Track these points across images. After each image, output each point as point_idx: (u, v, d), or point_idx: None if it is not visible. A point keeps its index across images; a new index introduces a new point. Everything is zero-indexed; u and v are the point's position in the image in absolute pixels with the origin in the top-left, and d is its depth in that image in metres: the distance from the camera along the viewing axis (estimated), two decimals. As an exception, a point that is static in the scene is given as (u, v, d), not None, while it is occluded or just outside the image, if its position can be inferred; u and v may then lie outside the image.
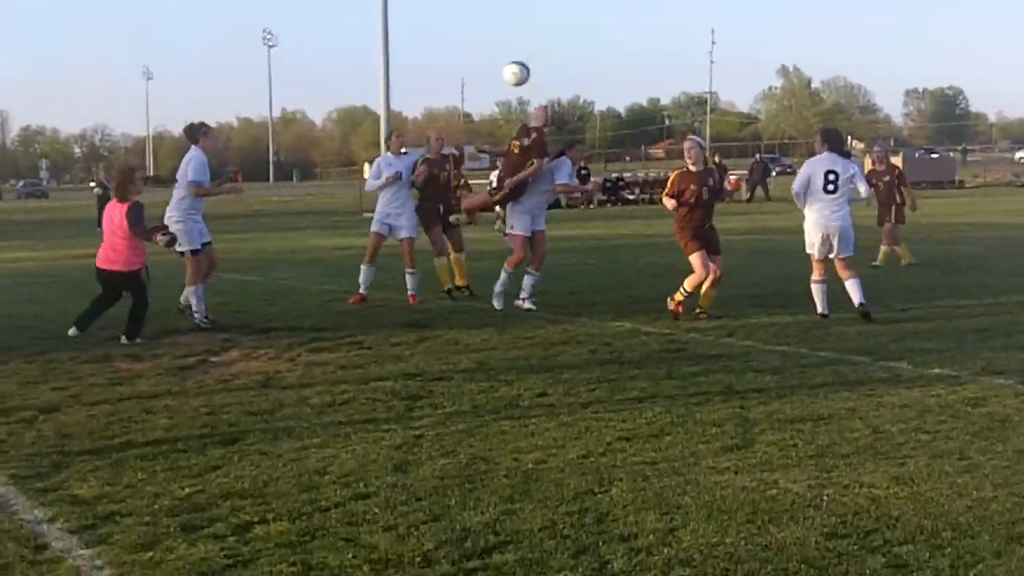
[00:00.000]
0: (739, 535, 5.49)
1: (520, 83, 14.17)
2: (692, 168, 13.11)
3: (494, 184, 15.36)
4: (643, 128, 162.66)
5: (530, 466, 6.90)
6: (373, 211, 15.87)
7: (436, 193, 15.86)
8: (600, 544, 5.43)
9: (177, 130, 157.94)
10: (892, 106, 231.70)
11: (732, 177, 55.32)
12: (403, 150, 15.71)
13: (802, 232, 12.84)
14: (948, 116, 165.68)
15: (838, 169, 12.52)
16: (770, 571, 5.05)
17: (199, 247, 13.35)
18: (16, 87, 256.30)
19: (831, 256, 12.56)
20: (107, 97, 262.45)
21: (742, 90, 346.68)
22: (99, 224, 13.01)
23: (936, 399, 8.43)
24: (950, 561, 5.10)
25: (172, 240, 12.40)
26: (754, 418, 7.96)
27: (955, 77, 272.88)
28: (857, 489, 6.20)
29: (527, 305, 13.94)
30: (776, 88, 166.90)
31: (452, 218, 15.74)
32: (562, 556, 5.29)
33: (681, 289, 13.04)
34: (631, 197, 53.21)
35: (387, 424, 8.14)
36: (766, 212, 41.08)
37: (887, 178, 20.14)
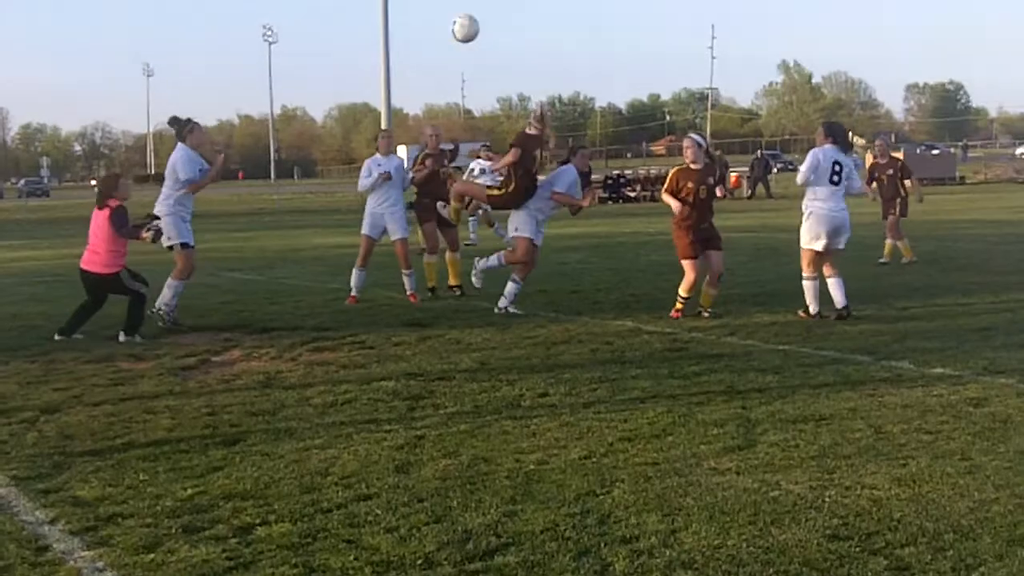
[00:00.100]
0: (741, 537, 5.49)
1: (468, 38, 13.74)
2: (693, 167, 13.09)
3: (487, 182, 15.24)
4: (644, 124, 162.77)
5: (532, 467, 6.90)
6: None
7: (434, 189, 15.85)
8: (602, 546, 5.43)
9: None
10: (893, 101, 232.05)
11: (733, 174, 55.45)
12: (402, 149, 15.68)
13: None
14: (949, 111, 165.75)
15: (843, 161, 12.55)
16: (772, 573, 5.06)
17: (188, 241, 13.29)
18: (16, 85, 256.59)
19: (828, 249, 12.55)
20: (108, 95, 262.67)
21: (743, 86, 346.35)
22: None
23: (938, 399, 8.43)
24: (952, 564, 5.10)
25: (158, 234, 12.41)
26: (756, 418, 7.96)
27: (956, 72, 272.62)
28: (859, 490, 6.20)
29: (512, 309, 13.76)
30: (777, 84, 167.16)
31: (439, 204, 15.58)
32: (564, 558, 5.29)
33: (678, 297, 13.06)
34: (632, 194, 53.19)
35: (389, 424, 8.15)
36: (767, 209, 41.06)
37: (890, 171, 20.12)
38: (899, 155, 22.38)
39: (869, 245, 20.46)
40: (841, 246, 12.69)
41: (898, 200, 19.81)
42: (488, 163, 21.69)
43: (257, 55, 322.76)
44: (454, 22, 13.72)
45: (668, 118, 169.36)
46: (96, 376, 10.34)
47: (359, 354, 11.17)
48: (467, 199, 15.99)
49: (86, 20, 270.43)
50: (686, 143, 13.48)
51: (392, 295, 15.50)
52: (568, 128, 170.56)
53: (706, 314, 12.91)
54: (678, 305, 13.08)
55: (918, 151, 79.69)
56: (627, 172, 59.19)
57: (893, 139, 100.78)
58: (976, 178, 68.79)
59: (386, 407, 8.76)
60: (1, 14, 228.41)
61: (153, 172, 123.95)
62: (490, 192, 14.12)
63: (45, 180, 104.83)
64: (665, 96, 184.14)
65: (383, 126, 46.39)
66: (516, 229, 13.83)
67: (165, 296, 13.07)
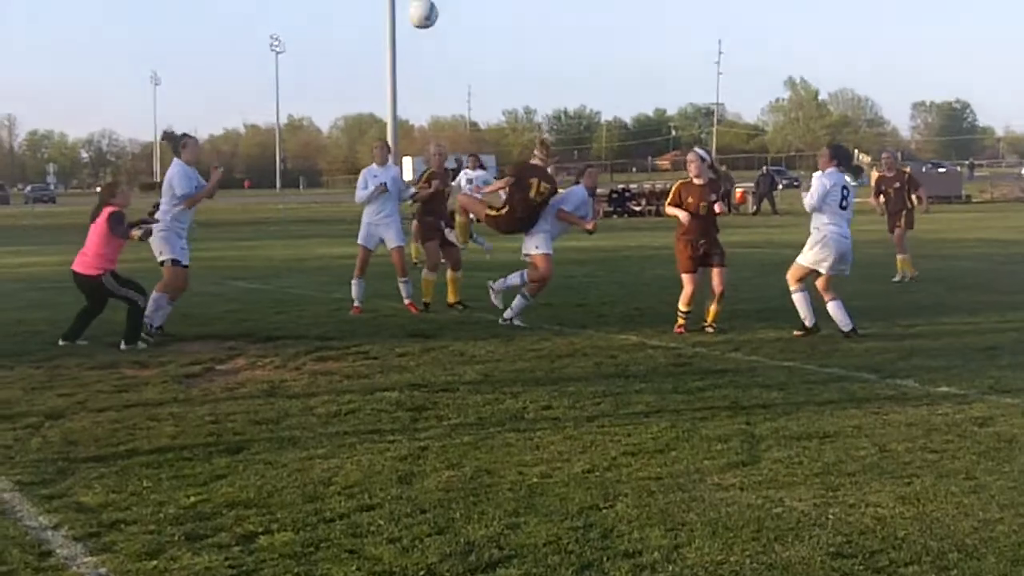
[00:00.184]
0: (744, 553, 5.48)
1: (423, 23, 13.40)
2: (696, 181, 13.10)
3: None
4: (649, 139, 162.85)
5: (535, 480, 6.90)
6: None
7: (437, 207, 15.86)
8: (604, 560, 5.42)
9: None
10: (899, 119, 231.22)
11: (738, 190, 55.47)
12: (408, 160, 15.72)
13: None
14: (955, 130, 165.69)
15: (848, 186, 12.55)
16: (775, 590, 5.05)
17: (179, 259, 13.15)
18: (24, 91, 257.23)
19: (829, 272, 12.52)
20: (114, 102, 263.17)
21: (749, 102, 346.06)
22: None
23: (943, 418, 8.41)
24: (956, 582, 5.09)
25: (147, 234, 12.43)
26: (760, 434, 7.95)
27: (962, 91, 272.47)
28: (863, 508, 6.19)
29: (517, 322, 13.76)
30: (783, 100, 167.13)
31: (446, 230, 15.61)
32: (566, 571, 5.28)
33: (679, 313, 13.07)
34: (637, 208, 53.18)
35: (392, 435, 8.14)
36: (772, 225, 41.03)
37: (896, 184, 20.10)
38: (906, 168, 22.33)
39: (875, 263, 20.47)
40: (847, 272, 12.68)
41: (904, 213, 19.79)
42: (476, 173, 21.66)
43: (264, 65, 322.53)
44: (411, 8, 13.54)
45: (674, 133, 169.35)
46: (100, 382, 10.35)
47: (363, 364, 11.17)
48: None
49: (94, 27, 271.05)
50: (689, 157, 13.49)
51: (395, 305, 15.49)
52: (573, 142, 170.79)
53: (710, 329, 12.90)
54: (680, 320, 13.09)
55: (924, 169, 79.59)
56: (632, 186, 59.18)
57: (899, 156, 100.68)
58: (982, 197, 68.75)
59: (389, 418, 8.76)
60: (8, 20, 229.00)
61: (159, 180, 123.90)
62: (488, 212, 14.11)
63: (51, 187, 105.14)
64: (671, 111, 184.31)
65: (389, 137, 46.45)
66: (536, 247, 13.78)
67: (148, 308, 12.78)
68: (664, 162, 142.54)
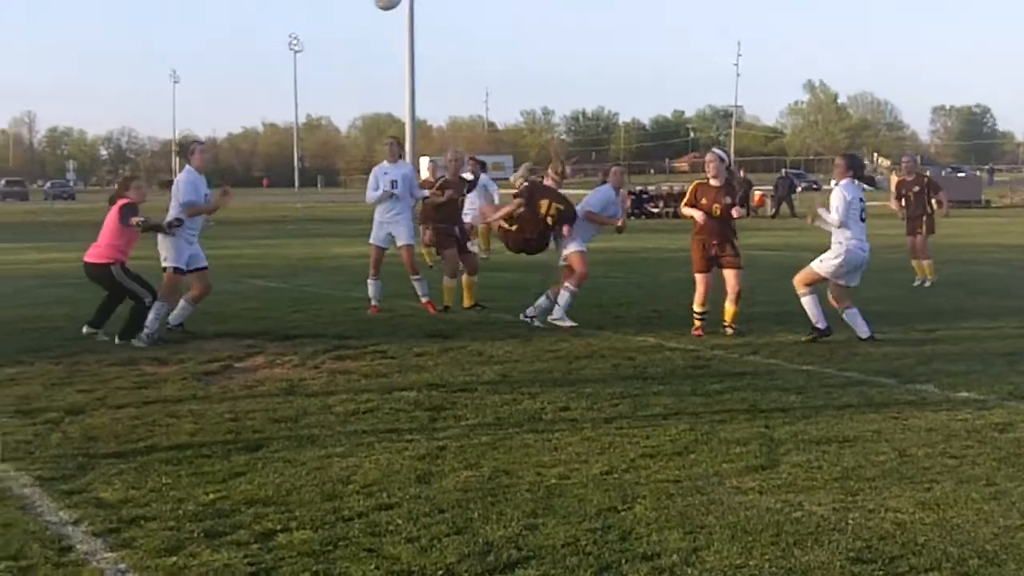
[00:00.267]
0: (763, 557, 5.47)
1: (388, 5, 13.11)
2: (713, 182, 13.10)
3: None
4: (667, 141, 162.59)
5: (553, 481, 6.89)
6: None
7: (452, 215, 15.87)
8: (623, 562, 5.42)
9: (203, 134, 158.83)
10: (919, 123, 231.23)
11: (756, 193, 55.34)
12: (425, 160, 15.71)
13: (826, 250, 12.62)
14: (975, 135, 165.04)
15: (862, 197, 12.53)
16: (795, 594, 5.04)
17: (183, 267, 13.06)
18: (44, 88, 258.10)
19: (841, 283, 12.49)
20: (134, 100, 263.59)
21: (768, 104, 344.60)
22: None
23: (963, 423, 8.38)
24: (976, 589, 5.08)
25: (149, 226, 12.45)
26: (779, 438, 7.93)
27: (983, 96, 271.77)
28: (883, 513, 6.17)
29: (537, 323, 13.74)
30: (802, 103, 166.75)
31: (468, 243, 15.60)
32: (584, 573, 5.28)
33: (694, 315, 13.06)
34: (655, 210, 53.10)
35: (410, 434, 8.16)
36: (791, 228, 40.92)
37: (916, 188, 20.04)
38: (925, 174, 22.27)
39: (893, 267, 20.40)
40: (856, 283, 12.67)
41: (924, 218, 19.72)
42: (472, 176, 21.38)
43: (283, 64, 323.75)
44: None
45: (692, 135, 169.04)
46: (120, 379, 10.39)
47: (381, 363, 11.18)
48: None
49: (114, 25, 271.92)
50: (709, 157, 13.49)
51: (413, 305, 15.51)
52: (591, 143, 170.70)
53: (729, 330, 12.89)
54: (697, 322, 13.08)
55: (944, 173, 79.23)
56: (650, 188, 59.10)
57: (919, 160, 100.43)
58: (1002, 202, 68.37)
59: (408, 417, 8.77)
60: (30, 17, 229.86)
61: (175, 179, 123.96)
62: (503, 225, 14.08)
63: (71, 183, 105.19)
64: (689, 113, 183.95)
65: (407, 137, 46.47)
66: (568, 247, 13.78)
67: (149, 318, 12.65)
68: (682, 164, 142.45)
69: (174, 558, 5.51)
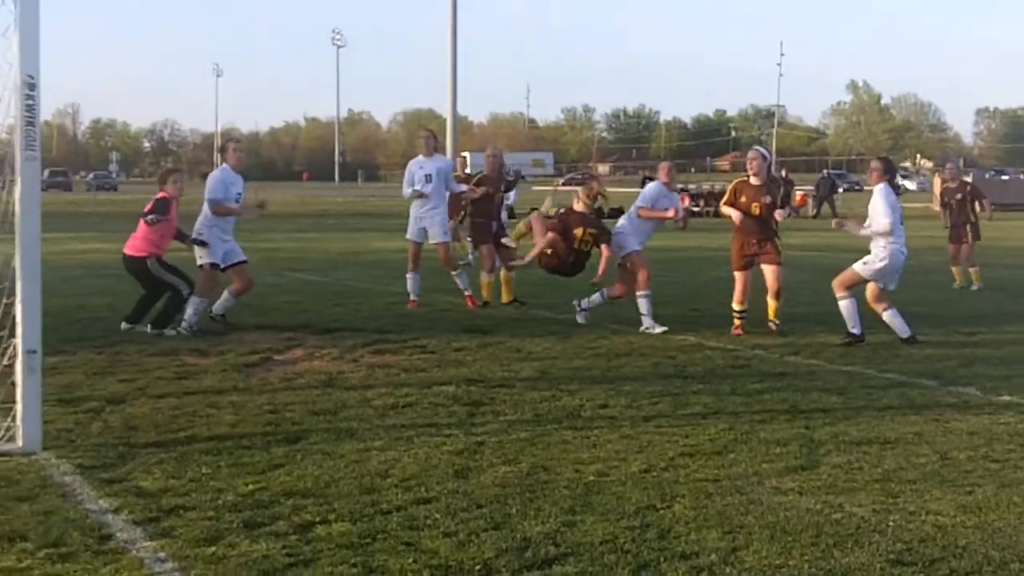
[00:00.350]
0: (803, 558, 5.43)
1: None
2: (753, 181, 13.04)
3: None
4: (708, 140, 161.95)
5: (591, 478, 6.88)
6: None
7: (489, 210, 15.86)
8: (661, 561, 5.40)
9: (245, 127, 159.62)
10: (962, 125, 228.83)
11: (798, 193, 55.05)
12: (466, 156, 15.67)
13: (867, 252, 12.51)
14: (1019, 137, 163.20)
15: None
16: (834, 595, 5.00)
17: (218, 263, 13.11)
18: (88, 80, 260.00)
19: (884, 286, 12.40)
20: (177, 93, 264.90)
21: (810, 104, 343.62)
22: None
23: (1005, 427, 8.31)
24: (1018, 593, 5.03)
25: (156, 220, 12.45)
26: (819, 439, 7.89)
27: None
28: (923, 516, 6.12)
29: (581, 319, 13.67)
30: (845, 103, 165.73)
31: (504, 240, 15.51)
32: (623, 571, 5.27)
33: (734, 313, 13.02)
34: (696, 209, 52.91)
35: (449, 429, 8.16)
36: (832, 229, 40.71)
37: (959, 196, 19.89)
38: (968, 178, 22.09)
39: (935, 270, 20.28)
40: (894, 285, 12.57)
41: (968, 226, 19.55)
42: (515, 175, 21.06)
43: (325, 59, 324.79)
44: None
45: (733, 134, 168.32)
46: (161, 369, 10.45)
47: (420, 358, 11.20)
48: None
49: (158, 17, 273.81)
50: (751, 154, 13.43)
51: (452, 300, 15.53)
52: (632, 141, 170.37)
53: (773, 326, 12.82)
54: (736, 322, 13.03)
55: (987, 176, 78.59)
56: (691, 187, 58.91)
57: (962, 163, 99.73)
58: (1046, 205, 67.72)
59: (446, 412, 8.78)
60: (75, 11, 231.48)
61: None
62: (544, 251, 13.74)
63: (113, 174, 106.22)
64: (731, 112, 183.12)
65: (448, 133, 46.53)
66: (623, 248, 13.67)
67: (188, 311, 12.79)
68: (723, 163, 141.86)
69: (213, 548, 5.54)
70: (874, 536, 5.76)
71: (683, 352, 11.70)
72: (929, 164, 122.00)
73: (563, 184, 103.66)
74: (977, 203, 20.01)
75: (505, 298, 15.70)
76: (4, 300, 7.48)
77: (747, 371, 10.66)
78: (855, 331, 12.23)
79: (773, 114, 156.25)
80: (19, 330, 7.39)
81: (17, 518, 5.98)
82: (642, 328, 13.20)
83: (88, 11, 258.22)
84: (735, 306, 13.05)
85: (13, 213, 7.38)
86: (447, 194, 15.55)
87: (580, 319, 13.59)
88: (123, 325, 12.71)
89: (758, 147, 14.06)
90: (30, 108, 7.27)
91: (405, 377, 10.21)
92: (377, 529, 5.85)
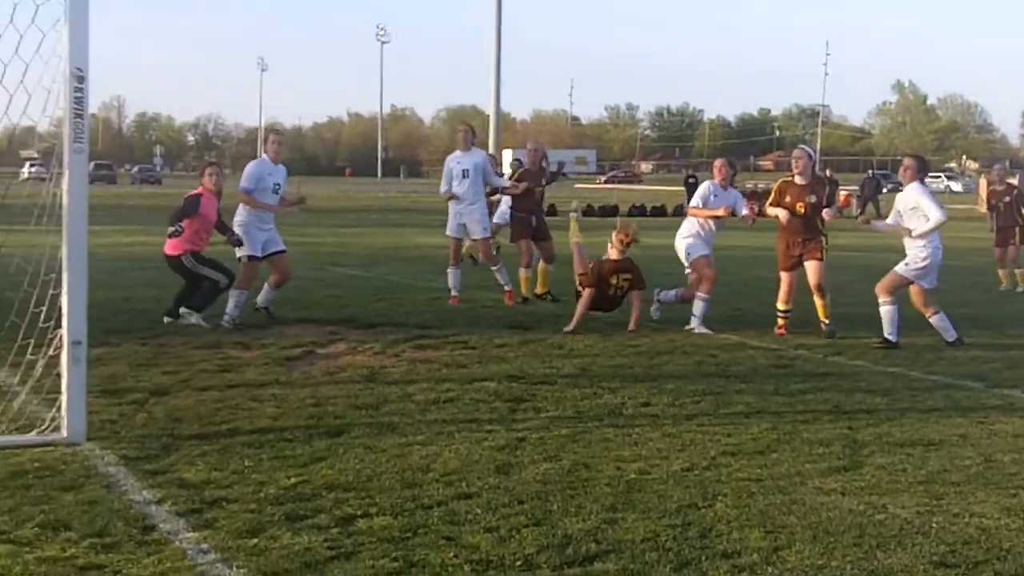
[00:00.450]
0: (845, 559, 5.40)
1: None
2: (798, 180, 12.95)
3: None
4: (752, 138, 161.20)
5: (633, 476, 6.87)
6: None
7: (529, 205, 15.85)
8: (703, 559, 5.38)
9: (289, 122, 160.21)
10: (1009, 126, 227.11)
11: (842, 193, 54.71)
12: (508, 153, 15.65)
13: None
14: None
15: None
16: (877, 597, 4.97)
17: (257, 255, 13.13)
18: (133, 73, 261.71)
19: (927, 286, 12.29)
20: (221, 87, 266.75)
21: (855, 104, 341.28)
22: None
23: (1051, 430, 8.23)
24: (1064, 598, 4.98)
25: (178, 231, 12.41)
26: (863, 440, 7.84)
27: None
28: (967, 518, 6.07)
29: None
30: (891, 103, 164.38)
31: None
32: (664, 569, 5.25)
33: (777, 313, 12.95)
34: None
35: (490, 425, 8.17)
36: (859, 224, 40.48)
37: (1007, 199, 19.73)
38: (1014, 181, 21.83)
39: (982, 271, 20.11)
40: (935, 283, 12.45)
41: (1017, 229, 19.36)
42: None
43: (369, 54, 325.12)
44: None
45: (777, 133, 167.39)
46: (204, 362, 10.51)
47: (461, 354, 11.21)
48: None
49: (203, 11, 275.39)
50: (796, 154, 13.32)
51: (494, 296, 15.53)
52: (675, 139, 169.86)
53: (824, 327, 12.73)
54: (780, 321, 12.97)
55: (1033, 177, 77.89)
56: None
57: (1008, 165, 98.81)
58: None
59: (488, 407, 8.79)
60: (120, 4, 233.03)
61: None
62: (581, 286, 13.57)
63: (158, 168, 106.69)
64: (775, 111, 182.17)
65: (491, 130, 46.53)
66: (689, 255, 13.53)
67: (228, 306, 12.86)
68: (767, 162, 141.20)
69: (255, 540, 5.56)
70: (917, 538, 5.72)
71: (726, 351, 11.65)
72: (975, 165, 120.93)
73: (605, 182, 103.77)
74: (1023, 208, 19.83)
75: (539, 289, 15.72)
76: (51, 291, 7.54)
77: (790, 371, 10.61)
78: (891, 337, 12.10)
79: (818, 113, 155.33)
80: (65, 321, 7.45)
81: (62, 507, 6.03)
82: (688, 326, 13.14)
83: (133, 5, 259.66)
84: (779, 306, 12.98)
85: (60, 205, 7.44)
86: (483, 188, 15.55)
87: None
88: (165, 319, 12.79)
89: (803, 146, 13.96)
90: (79, 100, 7.32)
91: (447, 372, 10.23)
92: (418, 523, 5.86)
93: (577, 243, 13.97)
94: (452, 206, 15.35)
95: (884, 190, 61.91)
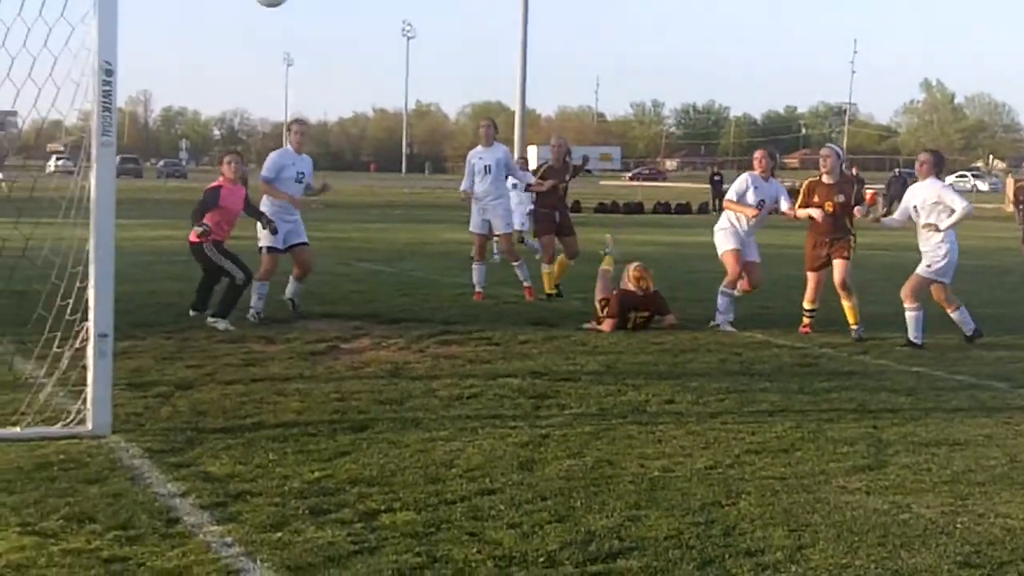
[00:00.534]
0: (869, 558, 5.38)
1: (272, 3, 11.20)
2: (826, 179, 12.88)
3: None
4: (778, 136, 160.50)
5: (656, 473, 6.86)
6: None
7: (553, 201, 15.83)
8: (726, 557, 5.37)
9: (315, 117, 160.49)
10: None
11: (868, 191, 54.55)
12: (533, 149, 15.64)
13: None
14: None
15: None
16: (901, 597, 4.95)
17: (278, 247, 13.11)
18: (160, 68, 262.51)
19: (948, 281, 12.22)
20: (247, 82, 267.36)
21: (882, 102, 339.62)
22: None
23: (1077, 431, 8.19)
24: (1090, 600, 4.95)
25: (204, 232, 12.23)
26: (887, 439, 7.81)
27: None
28: (992, 519, 6.05)
29: (726, 327, 13.15)
30: (918, 102, 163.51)
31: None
32: (687, 567, 5.24)
33: (804, 312, 12.91)
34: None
35: (513, 421, 8.17)
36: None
37: (1034, 196, 19.66)
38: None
39: (1009, 270, 20.01)
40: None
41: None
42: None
43: (394, 50, 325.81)
44: None
45: (804, 131, 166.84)
46: (229, 356, 10.54)
47: (485, 350, 11.22)
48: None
49: (229, 6, 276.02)
50: (824, 152, 13.22)
51: (518, 292, 15.52)
52: (701, 136, 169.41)
53: (853, 332, 12.50)
54: (805, 320, 12.93)
55: (1061, 177, 77.46)
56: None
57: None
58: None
59: (511, 404, 8.79)
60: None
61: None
62: (600, 309, 13.45)
63: (183, 162, 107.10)
64: (802, 108, 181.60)
65: (516, 126, 46.55)
66: (720, 248, 13.56)
67: (252, 299, 12.91)
68: (792, 160, 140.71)
69: (279, 534, 5.58)
70: (942, 538, 5.70)
71: (750, 349, 11.63)
72: (1002, 165, 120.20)
73: (630, 179, 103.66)
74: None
75: (555, 279, 15.70)
76: (77, 284, 7.58)
77: (815, 369, 10.58)
78: (916, 340, 12.03)
79: (845, 111, 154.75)
80: (91, 314, 7.49)
81: (86, 500, 6.06)
82: (713, 323, 13.12)
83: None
84: (806, 305, 12.93)
85: (88, 198, 7.47)
86: (505, 184, 15.56)
87: (727, 328, 13.10)
88: (191, 312, 12.82)
89: (831, 145, 13.87)
90: (107, 94, 7.35)
91: (470, 368, 10.23)
92: (441, 519, 5.87)
93: (606, 270, 13.84)
94: (475, 202, 15.37)
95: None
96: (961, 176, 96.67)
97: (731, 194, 13.65)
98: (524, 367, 10.28)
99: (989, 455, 7.45)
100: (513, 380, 9.63)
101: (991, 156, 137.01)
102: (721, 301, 13.25)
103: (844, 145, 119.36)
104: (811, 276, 12.89)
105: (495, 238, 16.35)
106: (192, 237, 12.52)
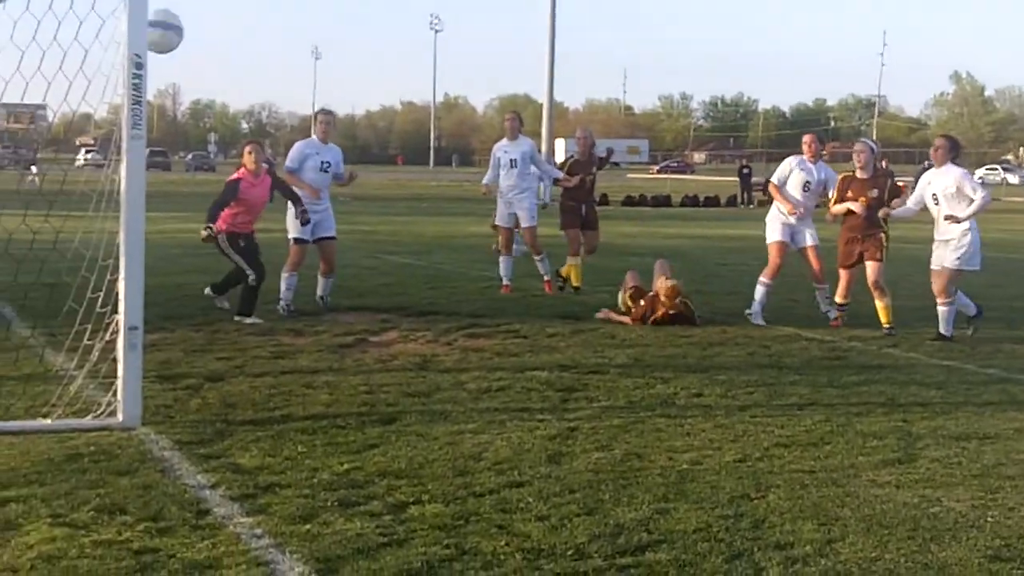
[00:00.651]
0: (899, 552, 5.36)
1: (162, 50, 10.30)
2: (859, 174, 12.79)
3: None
4: (807, 129, 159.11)
5: (685, 466, 6.85)
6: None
7: (579, 195, 15.79)
8: (755, 550, 5.36)
9: (342, 110, 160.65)
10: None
11: (899, 183, 54.36)
12: (560, 142, 15.59)
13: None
14: None
15: None
16: (931, 591, 4.93)
17: (305, 238, 13.04)
18: (188, 61, 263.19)
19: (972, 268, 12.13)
20: (276, 75, 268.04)
21: (912, 95, 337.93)
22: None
23: (1110, 425, 8.13)
24: (1123, 595, 4.92)
25: (208, 236, 12.09)
26: (917, 432, 7.78)
27: None
28: (1022, 512, 6.01)
29: (758, 320, 13.11)
30: (948, 94, 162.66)
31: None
32: (716, 559, 5.23)
33: (834, 306, 12.86)
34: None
35: (541, 414, 8.17)
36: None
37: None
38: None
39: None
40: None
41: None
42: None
43: (422, 43, 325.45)
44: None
45: (832, 124, 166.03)
46: (258, 348, 10.58)
47: (513, 343, 11.22)
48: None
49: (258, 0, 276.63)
50: (858, 147, 13.09)
51: (544, 286, 15.50)
52: (729, 129, 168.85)
53: (885, 331, 12.36)
54: (835, 313, 12.87)
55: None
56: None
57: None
58: None
59: (539, 396, 8.79)
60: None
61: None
62: (632, 285, 13.48)
63: (212, 155, 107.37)
64: (831, 101, 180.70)
65: (544, 119, 46.45)
66: (766, 238, 13.55)
67: (281, 290, 12.92)
68: (822, 153, 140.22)
69: (308, 525, 5.60)
70: (972, 531, 5.67)
71: (779, 342, 11.59)
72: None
73: (657, 172, 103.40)
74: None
75: (564, 272, 15.66)
76: (108, 277, 7.62)
77: (844, 363, 10.54)
78: (947, 334, 11.95)
79: (874, 104, 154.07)
80: (122, 306, 7.53)
81: (117, 491, 6.10)
82: (748, 311, 13.13)
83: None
84: (837, 299, 12.87)
85: (118, 191, 7.51)
86: (530, 177, 15.55)
87: (757, 321, 13.08)
88: (205, 291, 12.86)
89: (865, 139, 13.77)
90: (137, 87, 7.39)
91: (498, 361, 10.24)
92: (470, 511, 5.87)
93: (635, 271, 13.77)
94: (501, 195, 15.37)
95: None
96: (991, 169, 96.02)
97: (774, 178, 13.63)
98: (552, 360, 10.28)
99: (1020, 449, 7.41)
100: (541, 373, 9.63)
101: (1021, 149, 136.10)
102: (758, 291, 13.20)
103: (874, 137, 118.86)
104: (843, 273, 12.80)
105: (518, 230, 16.32)
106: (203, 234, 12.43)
